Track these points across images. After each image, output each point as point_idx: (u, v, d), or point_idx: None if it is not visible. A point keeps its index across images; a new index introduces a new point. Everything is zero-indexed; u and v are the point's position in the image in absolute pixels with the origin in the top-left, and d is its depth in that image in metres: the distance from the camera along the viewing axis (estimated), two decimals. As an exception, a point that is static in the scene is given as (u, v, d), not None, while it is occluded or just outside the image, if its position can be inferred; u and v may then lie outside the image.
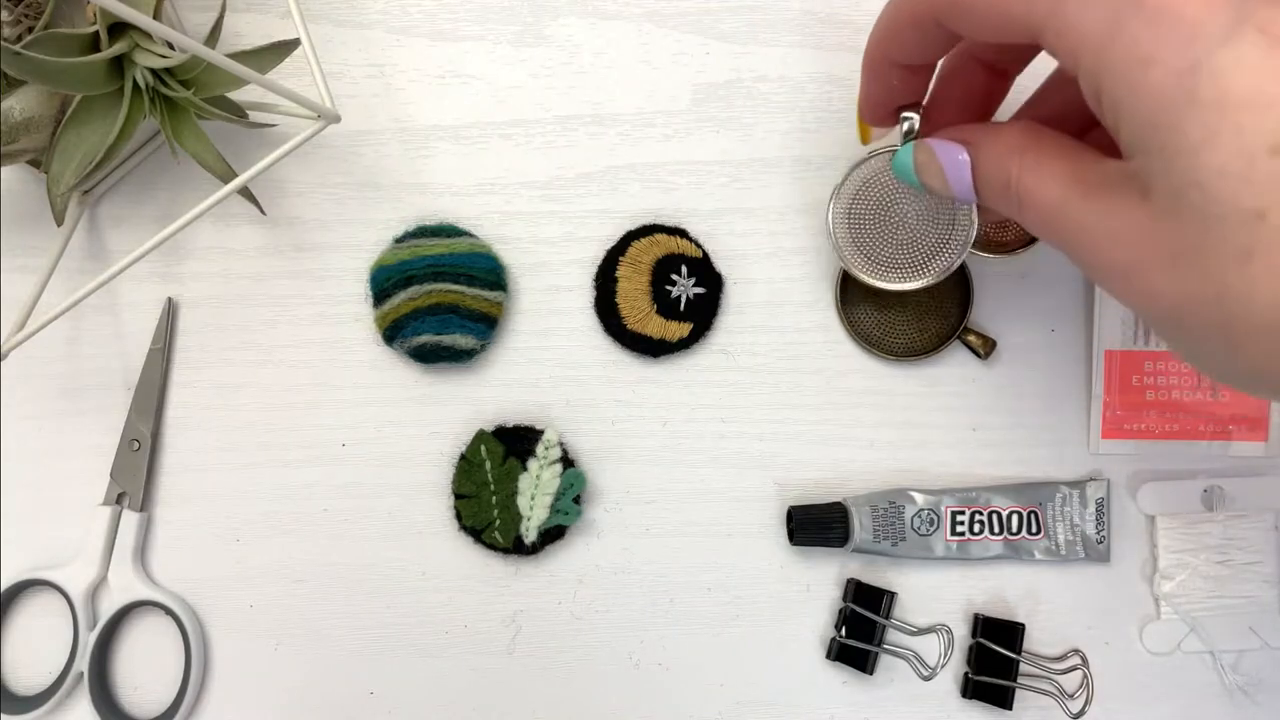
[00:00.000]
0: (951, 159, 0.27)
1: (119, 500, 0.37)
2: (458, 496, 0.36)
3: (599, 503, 0.38)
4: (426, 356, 0.36)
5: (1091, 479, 0.38)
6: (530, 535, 0.36)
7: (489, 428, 0.37)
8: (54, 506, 0.38)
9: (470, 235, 0.37)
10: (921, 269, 0.34)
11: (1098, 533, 0.37)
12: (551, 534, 0.36)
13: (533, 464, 0.36)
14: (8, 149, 0.31)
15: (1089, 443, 0.38)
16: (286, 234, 0.38)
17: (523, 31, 0.38)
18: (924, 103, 0.30)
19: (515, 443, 0.36)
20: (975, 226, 0.33)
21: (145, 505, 0.37)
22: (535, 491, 0.36)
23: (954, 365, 0.38)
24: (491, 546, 0.37)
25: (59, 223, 0.34)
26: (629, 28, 0.38)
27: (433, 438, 0.37)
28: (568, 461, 0.36)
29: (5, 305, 0.37)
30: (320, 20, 0.38)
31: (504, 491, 0.36)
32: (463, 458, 0.36)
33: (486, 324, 0.36)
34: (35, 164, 0.34)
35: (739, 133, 0.38)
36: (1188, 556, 0.37)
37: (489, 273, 0.36)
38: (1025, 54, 0.29)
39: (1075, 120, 0.27)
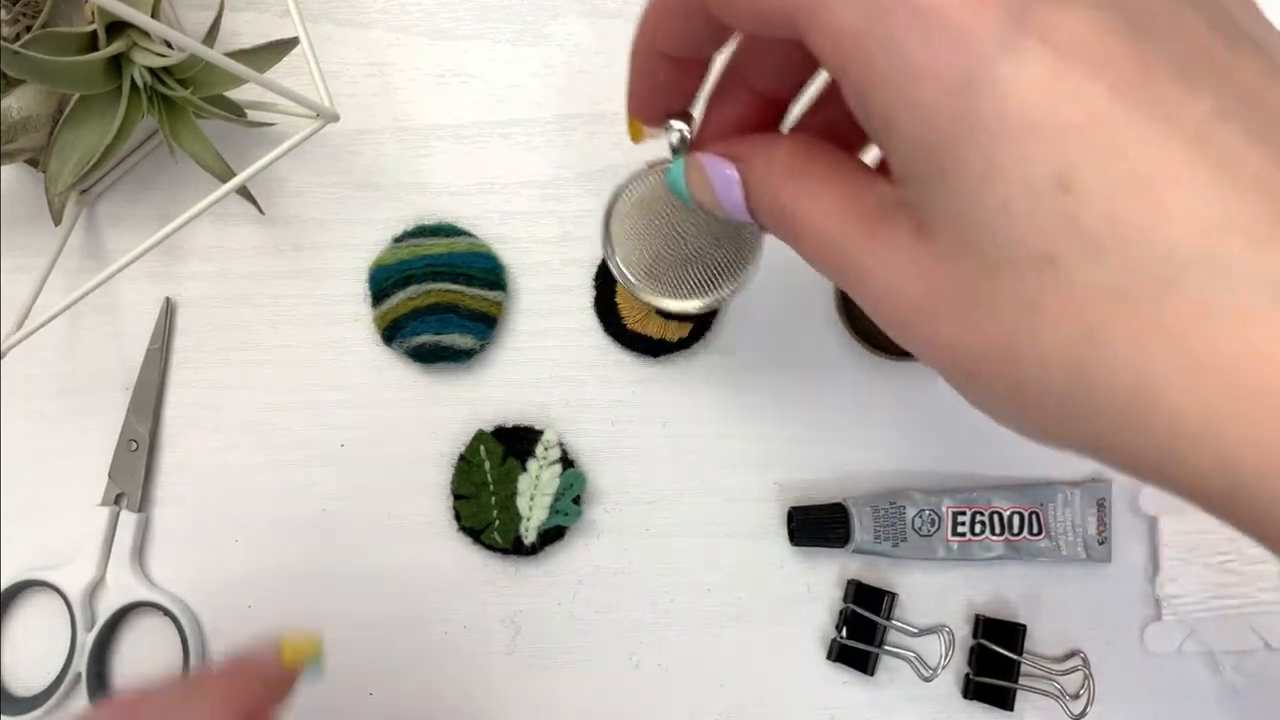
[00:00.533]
0: (721, 177, 0.25)
1: (117, 501, 0.37)
2: (457, 497, 0.36)
3: (599, 503, 0.37)
4: (425, 356, 0.36)
5: (1093, 479, 0.37)
6: (530, 536, 0.36)
7: (488, 428, 0.37)
8: (52, 507, 0.38)
9: (469, 235, 0.37)
10: (706, 288, 0.30)
11: (1099, 533, 0.37)
12: (551, 534, 0.36)
13: (532, 464, 0.36)
14: (6, 148, 0.31)
15: (1090, 443, 0.38)
16: (285, 233, 0.38)
17: (522, 31, 0.38)
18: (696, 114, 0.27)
19: (514, 443, 0.36)
20: (763, 246, 0.29)
21: (143, 506, 0.37)
22: (535, 492, 0.36)
23: (955, 365, 0.38)
24: (491, 547, 0.36)
25: (57, 222, 0.34)
26: (629, 27, 0.38)
27: (432, 438, 0.37)
28: (567, 462, 0.36)
29: (4, 305, 0.37)
30: (319, 19, 0.38)
31: (503, 492, 0.36)
32: (462, 458, 0.36)
33: (486, 324, 0.36)
34: (33, 163, 0.34)
35: (739, 132, 0.38)
36: (1189, 557, 0.37)
37: (488, 272, 0.36)
38: (801, 75, 0.25)
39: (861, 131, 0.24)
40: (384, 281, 0.36)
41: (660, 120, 0.27)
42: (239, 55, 0.31)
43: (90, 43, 0.30)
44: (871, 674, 0.37)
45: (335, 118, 0.31)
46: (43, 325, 0.31)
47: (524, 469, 0.36)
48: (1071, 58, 0.17)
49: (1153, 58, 0.17)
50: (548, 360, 0.38)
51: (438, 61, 0.38)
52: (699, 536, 0.37)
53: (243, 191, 0.33)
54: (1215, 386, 0.16)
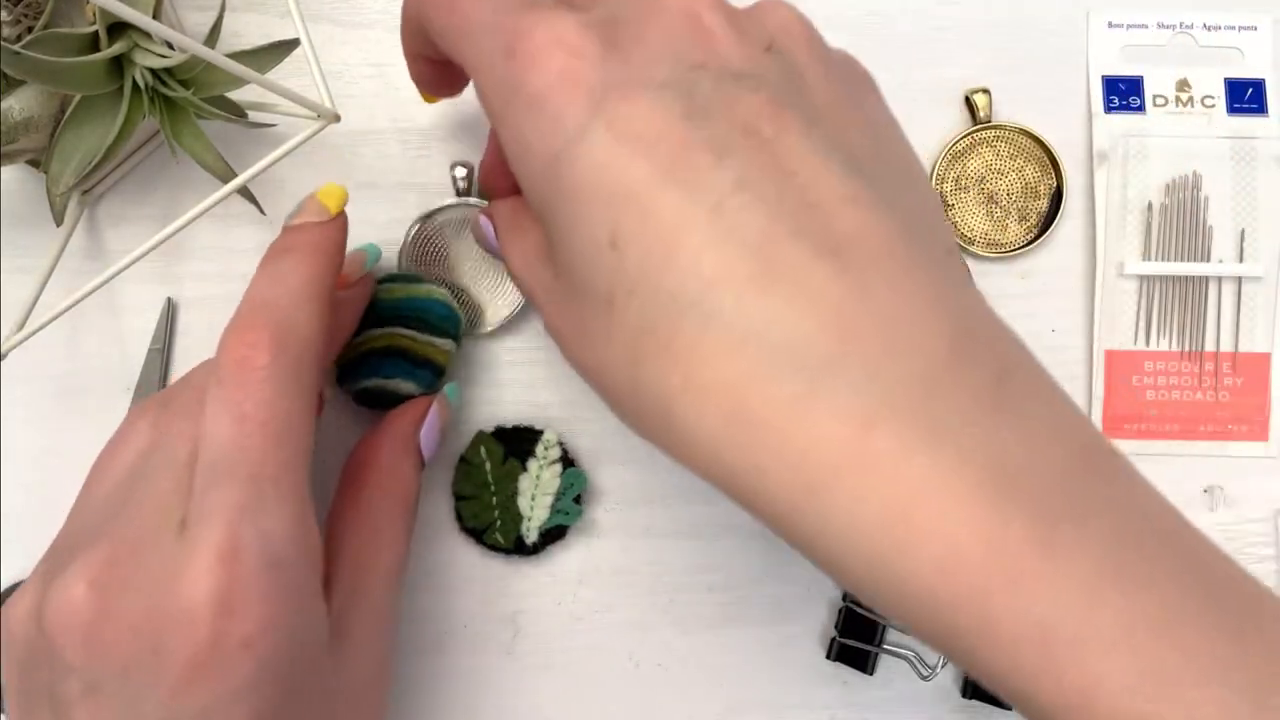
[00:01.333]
0: (485, 227, 0.30)
1: (118, 500, 0.37)
2: (458, 498, 0.36)
3: (599, 503, 0.38)
4: (370, 401, 0.35)
5: (1092, 479, 0.37)
6: (531, 535, 0.36)
7: (488, 428, 0.37)
8: (54, 506, 0.37)
9: (427, 281, 0.36)
10: (476, 321, 0.37)
11: (1098, 533, 0.37)
12: (552, 534, 0.36)
13: (532, 464, 0.36)
14: (7, 149, 0.31)
15: (1089, 443, 0.38)
16: (286, 234, 0.38)
17: (522, 31, 0.38)
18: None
19: (515, 443, 0.36)
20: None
21: (145, 505, 0.37)
22: (535, 492, 0.36)
23: (954, 365, 0.38)
24: (493, 547, 0.36)
25: (58, 223, 0.34)
26: (629, 27, 0.38)
27: (432, 438, 0.37)
28: (568, 461, 0.36)
29: (4, 305, 0.37)
30: (320, 20, 0.38)
31: (504, 492, 0.36)
32: (462, 459, 0.36)
33: (433, 371, 0.35)
34: (35, 164, 0.34)
35: (739, 133, 0.38)
36: (1188, 556, 0.37)
37: (443, 320, 0.35)
38: None
39: None
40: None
41: (443, 92, 0.33)
42: (240, 56, 0.31)
43: (92, 44, 0.30)
44: (871, 673, 0.37)
45: (336, 118, 0.31)
46: (44, 326, 0.31)
47: (524, 469, 0.36)
48: (627, 139, 0.21)
49: (693, 137, 0.21)
50: (548, 360, 0.38)
51: (438, 62, 0.38)
52: (699, 536, 0.38)
53: (244, 192, 0.33)
54: (710, 408, 0.20)
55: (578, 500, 0.36)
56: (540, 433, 0.36)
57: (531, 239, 0.26)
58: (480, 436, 0.36)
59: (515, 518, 0.36)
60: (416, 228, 0.37)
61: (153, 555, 0.24)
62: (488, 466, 0.36)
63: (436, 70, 0.31)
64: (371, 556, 0.30)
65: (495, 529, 0.36)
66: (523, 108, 0.22)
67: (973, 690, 0.37)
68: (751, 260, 0.20)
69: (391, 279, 0.36)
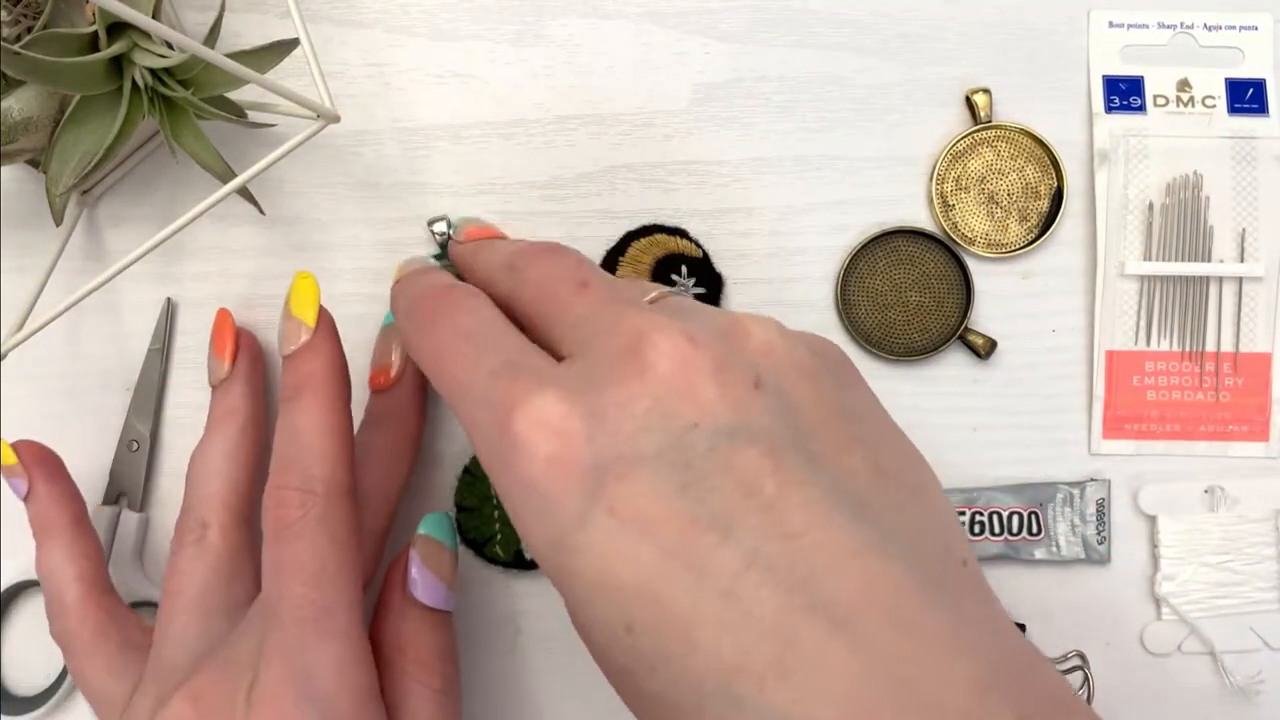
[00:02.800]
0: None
1: (118, 500, 0.37)
2: (460, 509, 0.36)
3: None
4: None
5: (1092, 479, 0.37)
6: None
7: None
8: (53, 507, 0.38)
9: None
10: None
11: (1098, 533, 0.37)
12: None
13: None
14: (6, 149, 0.31)
15: (1089, 443, 0.38)
16: (286, 234, 0.38)
17: (523, 31, 0.38)
18: None
19: None
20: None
21: (144, 505, 0.37)
22: None
23: (954, 365, 0.38)
24: (493, 560, 0.36)
25: (58, 223, 0.34)
26: (629, 27, 0.38)
27: (435, 438, 0.37)
28: None
29: (4, 306, 0.37)
30: (319, 20, 0.38)
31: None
32: (466, 470, 0.36)
33: None
34: (34, 164, 0.34)
35: (739, 133, 0.38)
36: (1189, 557, 0.37)
37: None
38: None
39: None
40: None
41: None
42: (240, 56, 0.31)
43: (91, 44, 0.30)
44: (871, 674, 0.37)
45: (336, 118, 0.31)
46: (43, 326, 0.31)
47: None
48: (628, 524, 0.20)
49: (696, 513, 0.20)
50: (548, 360, 0.38)
51: (438, 62, 0.38)
52: (699, 536, 0.37)
53: (243, 192, 0.33)
54: None
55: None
56: None
57: None
58: None
59: (515, 531, 0.36)
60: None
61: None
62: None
63: None
64: None
65: (495, 542, 0.36)
66: (519, 490, 0.22)
67: None
68: (769, 644, 0.19)
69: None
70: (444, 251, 0.37)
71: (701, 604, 0.20)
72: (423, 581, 0.31)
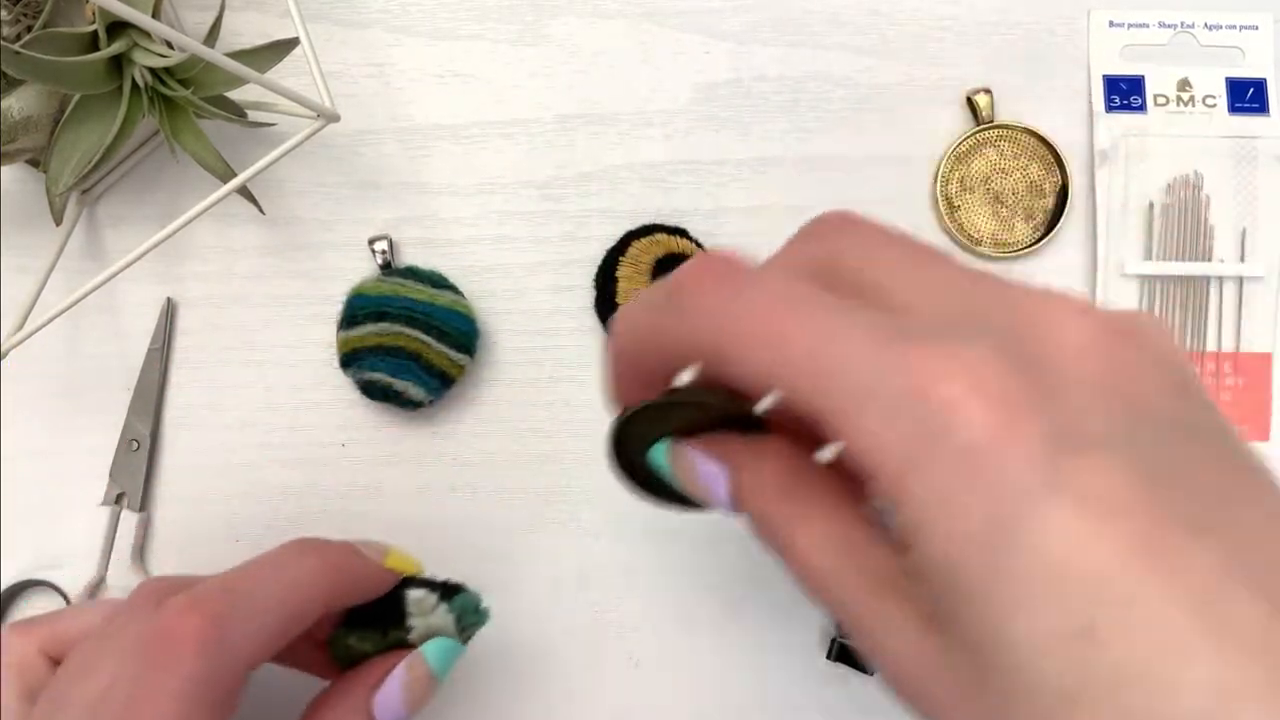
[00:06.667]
0: (711, 477, 0.24)
1: (118, 500, 0.37)
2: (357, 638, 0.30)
3: (599, 504, 0.38)
4: (374, 393, 0.36)
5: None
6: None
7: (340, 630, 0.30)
8: (53, 507, 0.38)
9: (456, 291, 0.36)
10: None
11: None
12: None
13: (416, 621, 0.30)
14: (7, 148, 0.31)
15: (1090, 443, 0.38)
16: (286, 234, 0.38)
17: (523, 31, 0.38)
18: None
19: (379, 621, 0.30)
20: None
21: (145, 505, 0.37)
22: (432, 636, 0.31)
23: (955, 365, 0.38)
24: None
25: (58, 222, 0.34)
26: (629, 27, 0.38)
27: (434, 438, 0.37)
28: (448, 592, 0.31)
29: (4, 305, 0.37)
30: (319, 19, 0.38)
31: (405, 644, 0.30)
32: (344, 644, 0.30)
33: (443, 382, 0.36)
34: (34, 163, 0.34)
35: (739, 133, 0.38)
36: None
37: (462, 334, 0.36)
38: None
39: None
40: (359, 310, 0.35)
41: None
42: (239, 55, 0.31)
43: (91, 43, 0.30)
44: (871, 673, 0.37)
45: (336, 118, 0.31)
46: (43, 326, 0.31)
47: (408, 629, 0.30)
48: (1092, 510, 0.17)
49: (1164, 506, 0.17)
50: (548, 361, 0.38)
51: (438, 61, 0.38)
52: (700, 537, 0.37)
53: (243, 192, 0.33)
54: None
55: (476, 611, 0.31)
56: (399, 595, 0.30)
57: (833, 528, 0.22)
58: (338, 634, 0.30)
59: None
60: None
61: None
62: (369, 648, 0.30)
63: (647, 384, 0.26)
64: None
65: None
66: (949, 460, 0.18)
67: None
68: (1259, 665, 0.16)
69: (414, 274, 0.36)
70: (387, 268, 0.36)
71: (1177, 610, 0.17)
72: (385, 703, 0.29)
